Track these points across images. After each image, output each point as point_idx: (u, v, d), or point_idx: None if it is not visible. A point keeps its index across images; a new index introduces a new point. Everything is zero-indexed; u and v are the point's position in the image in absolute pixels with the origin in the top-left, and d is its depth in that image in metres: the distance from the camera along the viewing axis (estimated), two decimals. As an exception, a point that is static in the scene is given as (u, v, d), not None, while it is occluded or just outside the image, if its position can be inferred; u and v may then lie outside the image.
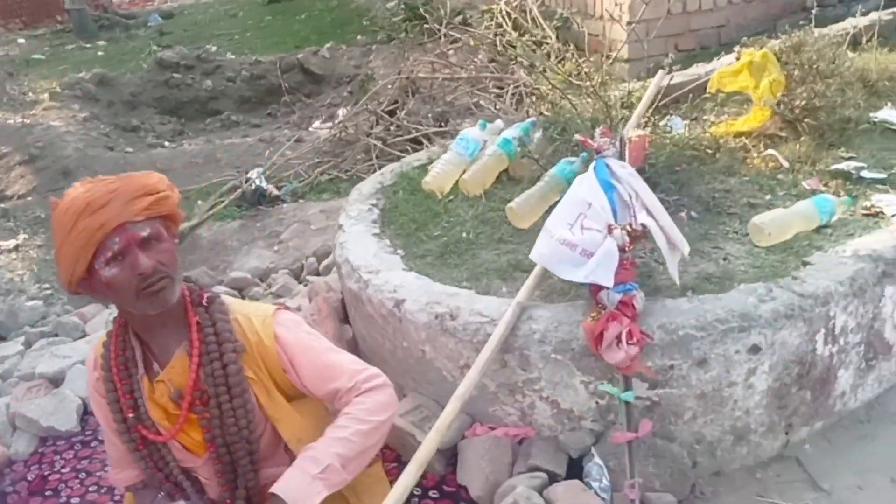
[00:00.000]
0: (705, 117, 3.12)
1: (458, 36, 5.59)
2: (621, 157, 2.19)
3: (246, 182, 4.80)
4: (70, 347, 3.31)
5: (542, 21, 5.25)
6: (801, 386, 2.10)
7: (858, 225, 2.39)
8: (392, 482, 1.79)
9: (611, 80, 2.92)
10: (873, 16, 4.15)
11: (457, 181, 2.87)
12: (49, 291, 4.07)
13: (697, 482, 2.14)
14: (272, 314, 1.77)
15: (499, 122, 3.07)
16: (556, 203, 2.22)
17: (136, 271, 1.57)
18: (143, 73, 8.40)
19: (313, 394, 1.78)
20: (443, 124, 5.07)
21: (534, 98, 3.02)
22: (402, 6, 7.77)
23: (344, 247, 2.65)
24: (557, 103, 2.93)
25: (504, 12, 5.53)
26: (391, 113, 5.08)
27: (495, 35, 5.42)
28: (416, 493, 2.20)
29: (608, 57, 3.98)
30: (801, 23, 3.15)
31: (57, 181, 5.76)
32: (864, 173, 2.61)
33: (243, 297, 3.52)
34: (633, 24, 4.54)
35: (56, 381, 3.09)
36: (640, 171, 2.47)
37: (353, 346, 2.72)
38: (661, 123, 2.74)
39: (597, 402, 2.09)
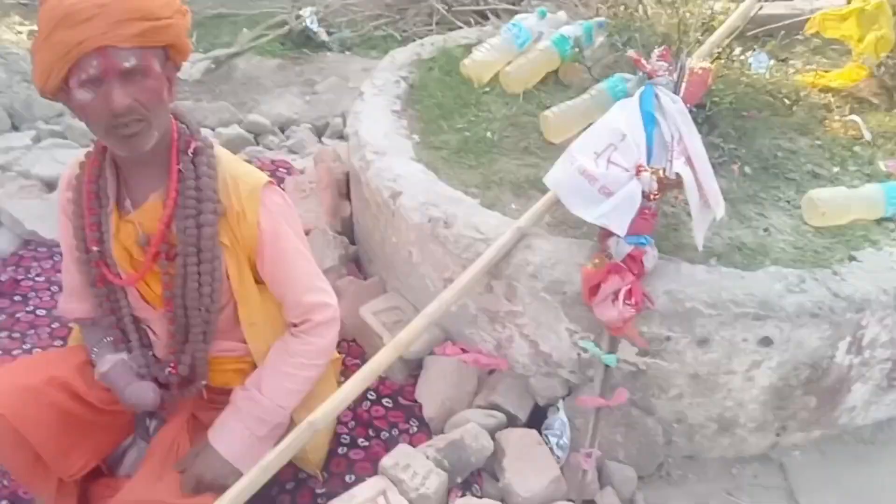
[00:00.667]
0: (792, 61, 2.72)
1: None
2: (676, 88, 1.88)
3: (296, 19, 4.50)
4: (73, 154, 3.18)
5: None
6: (807, 391, 1.88)
7: (929, 227, 2.07)
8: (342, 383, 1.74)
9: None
10: None
11: (498, 72, 2.57)
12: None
13: (667, 461, 1.97)
14: (261, 187, 1.58)
15: (562, 14, 2.72)
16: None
17: (109, 106, 1.37)
18: None
19: (267, 285, 1.66)
20: (516, 2, 4.66)
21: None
22: None
23: (358, 118, 2.42)
24: (631, 7, 2.56)
25: None
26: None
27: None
28: (370, 396, 2.07)
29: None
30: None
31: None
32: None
33: (258, 144, 3.33)
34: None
35: (51, 185, 2.98)
36: (699, 108, 2.17)
37: (349, 225, 2.54)
38: (741, 57, 2.37)
39: (578, 354, 1.90)
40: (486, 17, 4.43)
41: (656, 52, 1.90)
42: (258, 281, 1.67)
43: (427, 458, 1.77)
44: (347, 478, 1.84)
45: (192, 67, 4.29)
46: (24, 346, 2.39)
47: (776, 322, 1.75)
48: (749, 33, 2.61)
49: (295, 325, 1.67)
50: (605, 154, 1.82)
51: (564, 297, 1.85)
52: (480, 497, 1.78)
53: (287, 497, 1.82)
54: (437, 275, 2.05)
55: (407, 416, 2.03)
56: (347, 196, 2.57)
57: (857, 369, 1.88)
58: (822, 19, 2.52)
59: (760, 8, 2.44)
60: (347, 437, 1.96)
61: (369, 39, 4.46)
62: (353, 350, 2.25)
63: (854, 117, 2.38)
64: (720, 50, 2.26)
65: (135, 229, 1.58)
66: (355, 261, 2.51)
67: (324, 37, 4.46)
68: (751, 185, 2.17)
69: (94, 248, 1.60)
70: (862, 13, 2.40)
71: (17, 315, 2.53)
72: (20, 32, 4.50)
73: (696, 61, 1.96)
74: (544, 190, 2.02)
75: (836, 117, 2.42)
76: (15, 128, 3.56)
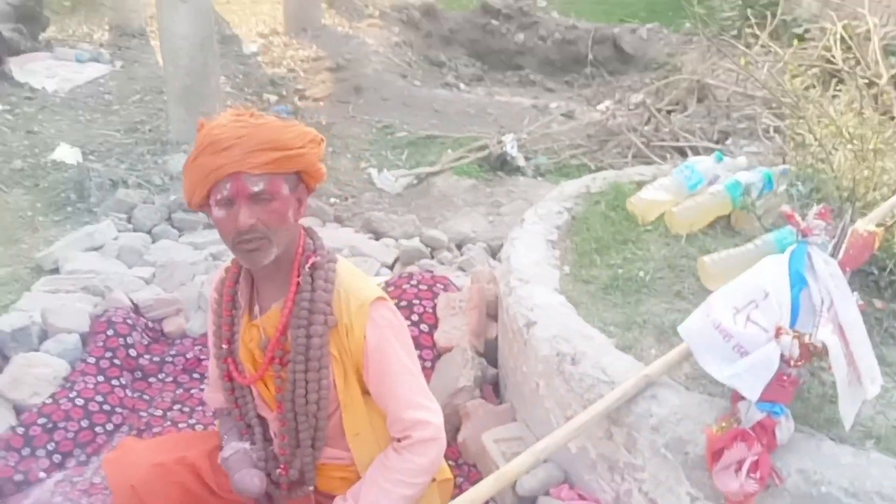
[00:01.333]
0: None
1: (775, 48, 4.92)
2: (835, 250, 1.72)
3: (498, 143, 4.73)
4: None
5: (880, 55, 4.43)
6: None
7: None
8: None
9: None
10: None
11: (665, 212, 2.52)
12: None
13: None
14: (371, 303, 1.67)
15: (742, 160, 2.63)
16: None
17: (235, 224, 1.54)
18: (467, 12, 8.62)
19: (373, 397, 1.72)
20: (721, 141, 4.56)
21: (793, 143, 2.51)
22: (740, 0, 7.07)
23: (513, 244, 2.46)
24: (823, 157, 2.41)
25: (839, 35, 4.75)
26: (669, 113, 4.67)
27: (819, 58, 4.69)
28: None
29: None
30: None
31: (348, 94, 6.16)
32: None
33: (432, 257, 3.48)
34: None
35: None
36: (882, 271, 1.97)
37: (493, 348, 2.55)
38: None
39: (698, 524, 1.73)
40: (684, 154, 4.37)
41: (814, 209, 1.77)
42: (365, 392, 1.73)
43: None
44: None
45: (396, 182, 4.63)
46: (189, 421, 2.62)
47: (933, 529, 1.49)
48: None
49: (398, 440, 1.69)
50: (746, 311, 1.69)
51: (686, 458, 1.71)
52: None
53: None
54: (561, 411, 1.99)
55: (511, 556, 1.95)
56: (496, 318, 2.59)
57: None
58: None
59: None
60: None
61: (564, 167, 4.56)
62: (472, 475, 2.21)
63: None
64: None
65: (259, 333, 1.72)
66: (494, 384, 2.50)
67: (521, 162, 4.63)
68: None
69: (225, 346, 1.76)
70: None
71: (192, 391, 2.79)
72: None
73: (864, 224, 1.79)
74: (688, 339, 1.91)
75: None
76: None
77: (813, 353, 1.63)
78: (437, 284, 2.72)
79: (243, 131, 1.55)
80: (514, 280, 2.27)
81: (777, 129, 3.98)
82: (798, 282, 1.67)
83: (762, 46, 5.22)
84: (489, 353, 2.53)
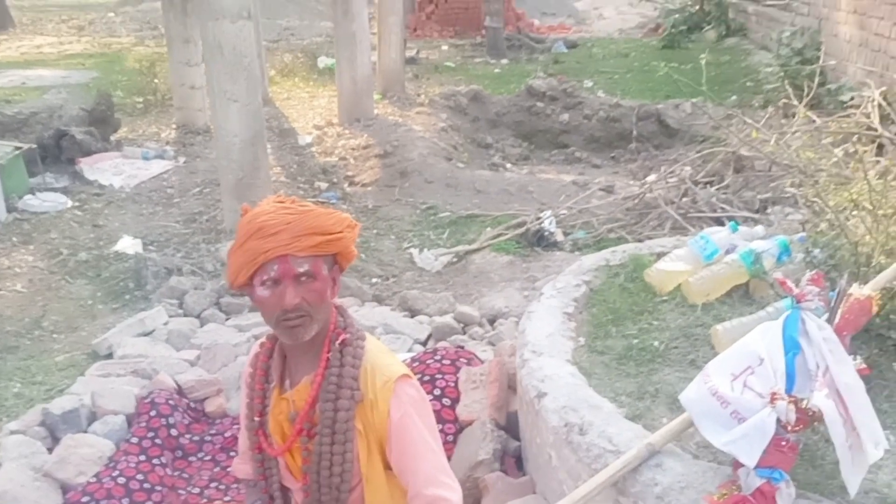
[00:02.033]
0: None
1: (814, 118, 4.93)
2: (831, 316, 1.73)
3: (536, 220, 4.82)
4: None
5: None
6: None
7: None
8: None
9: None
10: None
11: (682, 282, 2.54)
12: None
13: None
14: (396, 379, 1.74)
15: (759, 229, 2.64)
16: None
17: (281, 303, 1.66)
18: (512, 96, 8.88)
19: (394, 472, 1.76)
20: (759, 211, 4.54)
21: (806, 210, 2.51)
22: (783, 72, 7.11)
23: (530, 317, 2.51)
24: (838, 225, 2.40)
25: (877, 102, 4.74)
26: (707, 184, 4.69)
27: (857, 124, 4.68)
28: None
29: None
30: None
31: (394, 179, 6.38)
32: None
33: (464, 333, 3.54)
34: None
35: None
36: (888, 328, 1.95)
37: (515, 420, 2.57)
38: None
39: None
40: (722, 224, 4.36)
41: (807, 275, 1.78)
42: (387, 467, 1.78)
43: None
44: None
45: (436, 261, 4.74)
46: (224, 499, 2.70)
47: None
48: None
49: None
50: (742, 377, 1.71)
51: (691, 527, 1.70)
52: None
53: None
54: (572, 482, 1.99)
55: None
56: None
57: None
58: None
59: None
60: None
61: (602, 241, 4.59)
62: (492, 548, 2.22)
63: None
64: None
65: (288, 406, 1.79)
66: (517, 457, 2.51)
67: (559, 237, 4.70)
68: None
69: (257, 419, 1.84)
70: None
71: (229, 469, 2.87)
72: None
73: (864, 288, 1.79)
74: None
75: None
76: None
77: (811, 419, 1.63)
78: (461, 359, 2.77)
79: (290, 217, 1.67)
80: (527, 352, 2.31)
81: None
82: (792, 347, 1.68)
83: (805, 115, 5.23)
84: (511, 426, 2.55)
